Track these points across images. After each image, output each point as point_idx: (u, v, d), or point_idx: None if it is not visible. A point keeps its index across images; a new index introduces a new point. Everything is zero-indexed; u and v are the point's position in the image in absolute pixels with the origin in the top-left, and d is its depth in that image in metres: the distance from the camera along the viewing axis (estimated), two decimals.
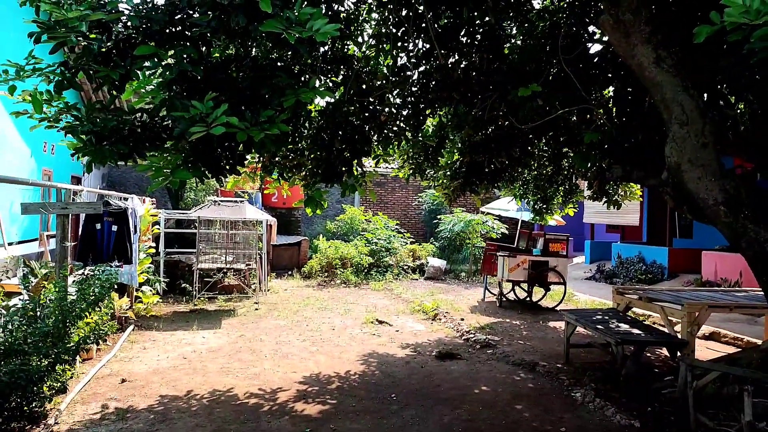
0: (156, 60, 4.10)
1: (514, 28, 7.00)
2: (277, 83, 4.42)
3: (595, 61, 6.51)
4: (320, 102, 6.58)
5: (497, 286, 10.81)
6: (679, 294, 6.80)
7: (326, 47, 6.41)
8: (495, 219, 15.60)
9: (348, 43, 6.79)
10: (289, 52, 5.31)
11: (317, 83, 6.41)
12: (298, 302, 10.45)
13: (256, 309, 9.67)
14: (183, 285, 10.59)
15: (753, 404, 3.67)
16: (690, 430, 4.13)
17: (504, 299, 10.75)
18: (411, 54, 6.75)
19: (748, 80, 5.10)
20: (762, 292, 4.97)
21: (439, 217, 16.75)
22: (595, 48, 6.56)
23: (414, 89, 6.95)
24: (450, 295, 11.90)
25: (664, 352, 6.80)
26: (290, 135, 5.32)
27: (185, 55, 4.22)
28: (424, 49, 6.70)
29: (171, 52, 4.27)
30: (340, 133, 6.33)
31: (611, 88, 6.87)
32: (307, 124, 6.31)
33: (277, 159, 6.50)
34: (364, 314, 9.36)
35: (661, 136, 4.87)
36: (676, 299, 6.20)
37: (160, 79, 4.54)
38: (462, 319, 8.97)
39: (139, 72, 4.39)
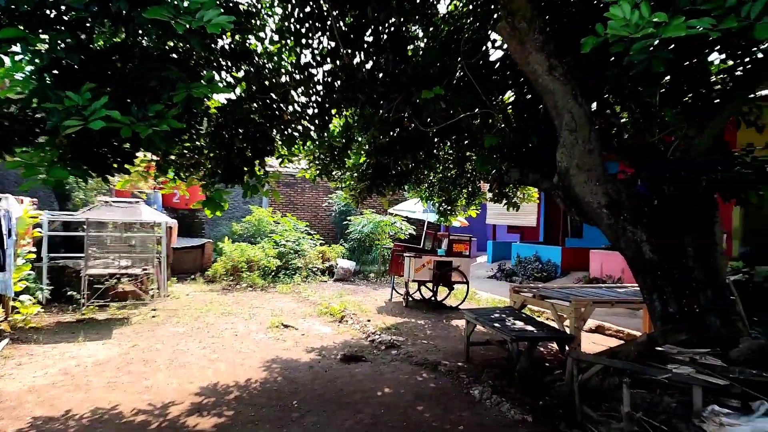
0: (25, 45, 3.70)
1: (420, 31, 7.09)
2: (167, 76, 4.13)
3: (496, 67, 6.73)
4: (220, 98, 6.28)
5: (404, 286, 10.94)
6: (568, 291, 7.22)
7: (225, 41, 6.15)
8: (403, 220, 15.82)
9: (249, 37, 6.55)
10: (185, 45, 5.00)
11: (216, 77, 6.15)
12: (200, 307, 9.96)
13: (153, 316, 9.08)
14: (69, 293, 9.72)
15: (631, 395, 3.93)
16: (576, 421, 4.36)
17: (410, 299, 10.91)
18: (315, 52, 6.64)
19: (630, 90, 5.50)
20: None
21: (349, 218, 16.72)
22: (497, 54, 6.79)
23: (319, 88, 6.84)
24: (358, 296, 11.89)
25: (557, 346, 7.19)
26: (184, 132, 5.01)
27: (60, 41, 3.84)
28: (329, 47, 6.61)
29: (46, 37, 3.87)
30: (241, 131, 6.09)
31: (510, 94, 7.13)
32: (204, 122, 6.01)
33: (172, 157, 6.12)
34: (269, 318, 9.09)
35: (554, 142, 5.11)
36: (565, 296, 6.58)
37: (32, 67, 4.10)
38: (369, 321, 8.97)
39: (5, 58, 3.93)
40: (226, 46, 6.18)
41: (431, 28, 6.97)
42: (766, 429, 3.70)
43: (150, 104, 3.84)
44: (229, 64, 6.08)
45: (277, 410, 5.00)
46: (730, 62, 5.33)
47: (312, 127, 7.03)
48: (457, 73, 6.54)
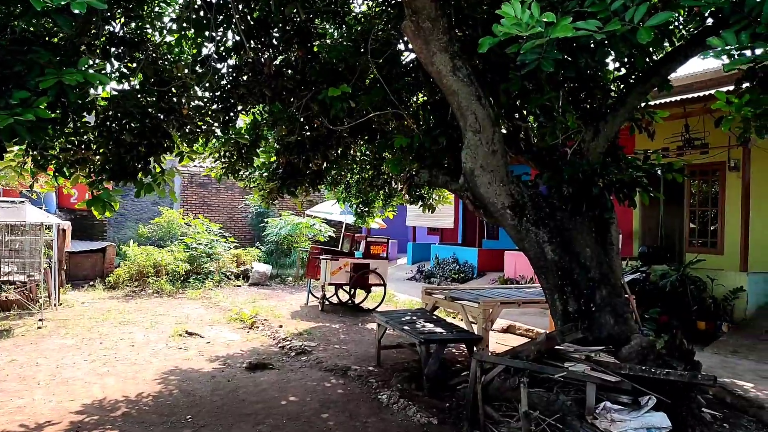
0: None
1: (331, 28, 6.91)
2: (34, 60, 3.68)
3: (407, 67, 6.68)
4: (113, 89, 5.78)
5: (321, 289, 10.70)
6: (478, 292, 7.30)
7: (116, 27, 5.68)
8: (323, 222, 15.56)
9: (146, 26, 6.09)
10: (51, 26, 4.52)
11: (108, 68, 5.66)
12: (96, 317, 9.21)
13: (39, 327, 8.28)
14: None
15: (529, 394, 3.94)
16: (478, 422, 4.33)
17: (326, 303, 10.68)
18: (219, 44, 6.29)
19: (532, 93, 5.60)
20: None
21: (266, 220, 16.23)
22: (411, 56, 6.72)
23: (223, 83, 6.49)
24: (273, 300, 11.51)
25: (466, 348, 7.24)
26: (58, 123, 4.52)
27: None
28: (234, 40, 6.29)
29: None
30: (133, 124, 5.63)
31: (421, 95, 7.10)
32: (92, 114, 5.50)
33: (53, 152, 5.55)
34: (173, 326, 8.55)
35: (461, 143, 5.10)
36: (474, 297, 6.63)
37: None
38: (281, 326, 8.66)
39: None
40: (119, 33, 5.71)
41: (343, 27, 6.82)
42: (653, 423, 3.82)
43: (14, 91, 3.41)
44: (121, 52, 5.62)
45: (167, 427, 4.62)
46: (624, 70, 5.58)
47: (216, 124, 6.66)
48: (371, 74, 6.43)
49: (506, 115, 6.23)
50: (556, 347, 4.51)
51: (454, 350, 7.25)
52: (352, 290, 10.91)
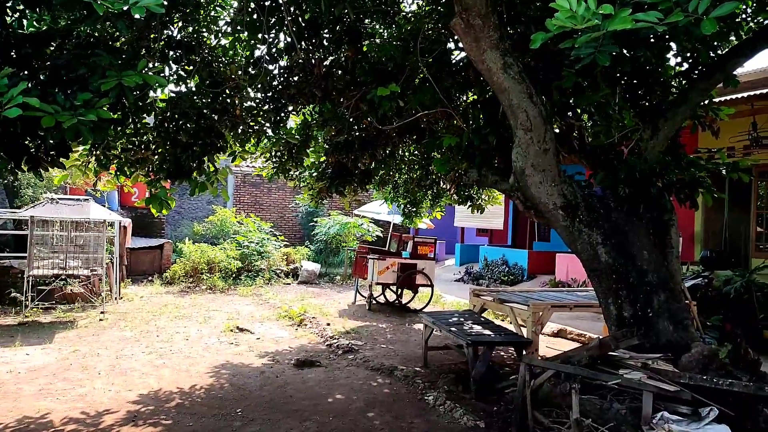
0: None
1: (380, 28, 6.92)
2: (97, 63, 3.85)
3: (456, 66, 6.62)
4: (170, 91, 5.99)
5: (368, 289, 10.75)
6: (528, 295, 7.13)
7: (174, 31, 5.88)
8: (370, 222, 15.63)
9: (202, 30, 6.29)
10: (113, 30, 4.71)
11: (167, 71, 5.88)
12: (153, 311, 9.59)
13: (101, 320, 8.69)
14: (13, 294, 9.25)
15: (580, 401, 3.81)
16: (527, 428, 4.23)
17: (374, 302, 10.72)
18: (271, 46, 6.41)
19: (586, 91, 5.43)
20: None
21: (315, 219, 16.46)
22: (461, 55, 6.65)
23: (275, 84, 6.62)
24: (321, 299, 11.65)
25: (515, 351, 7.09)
26: (119, 123, 4.72)
27: None
28: (285, 42, 6.39)
29: None
30: (188, 125, 5.82)
31: (470, 94, 7.01)
32: (151, 115, 5.72)
33: (115, 152, 5.81)
34: (225, 322, 8.78)
35: (512, 142, 5.00)
36: (524, 300, 6.48)
37: None
38: (328, 324, 8.75)
39: None
40: (177, 37, 5.92)
41: (393, 26, 6.82)
42: None
43: (78, 93, 3.58)
44: (178, 55, 5.82)
45: (218, 419, 4.74)
46: (686, 65, 5.31)
47: (267, 124, 6.80)
48: (417, 72, 6.40)
49: (558, 113, 6.06)
50: (610, 353, 4.35)
51: (502, 353, 7.11)
52: (399, 290, 10.90)
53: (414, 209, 10.49)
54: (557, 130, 6.01)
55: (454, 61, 6.60)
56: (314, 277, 14.40)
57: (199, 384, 5.70)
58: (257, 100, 6.64)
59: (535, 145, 4.71)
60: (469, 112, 6.43)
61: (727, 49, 4.83)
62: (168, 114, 5.73)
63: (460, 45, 6.45)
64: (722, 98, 7.35)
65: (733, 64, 4.33)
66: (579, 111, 6.23)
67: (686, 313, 4.68)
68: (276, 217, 18.07)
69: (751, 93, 7.63)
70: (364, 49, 6.37)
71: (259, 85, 6.46)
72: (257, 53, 6.41)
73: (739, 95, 7.55)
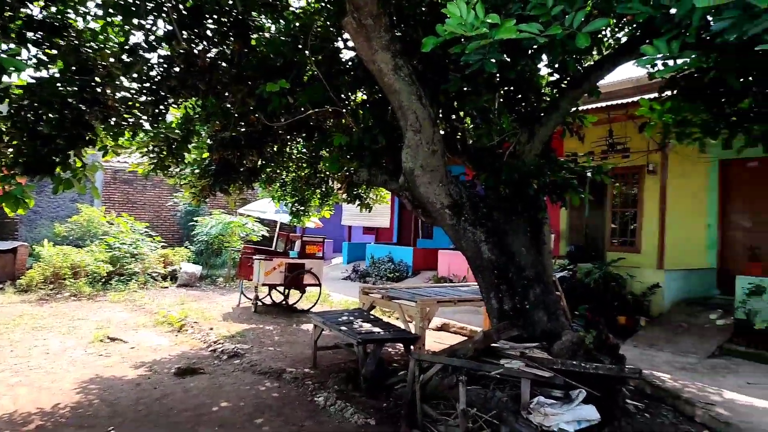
0: None
1: (268, 22, 6.72)
2: None
3: (348, 65, 6.62)
4: (28, 76, 5.33)
5: (254, 290, 10.41)
6: (415, 291, 7.35)
7: (35, 11, 5.24)
8: (256, 221, 15.17)
9: (67, 10, 5.67)
10: None
11: (25, 54, 5.21)
12: (6, 322, 8.49)
13: None
14: None
15: (466, 392, 3.99)
16: (417, 421, 4.34)
17: (260, 304, 10.42)
18: (149, 33, 5.95)
19: (470, 96, 5.70)
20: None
21: (196, 219, 15.63)
22: (352, 55, 6.65)
23: (153, 74, 6.16)
24: (203, 302, 11.08)
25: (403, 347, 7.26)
26: None
27: None
28: (165, 30, 5.97)
29: None
30: (50, 115, 5.22)
31: (361, 93, 7.05)
32: (5, 103, 5.04)
33: None
34: (93, 332, 8.01)
35: (401, 142, 5.10)
36: (412, 296, 6.66)
37: None
38: (211, 329, 8.33)
39: None
40: (38, 17, 5.28)
41: (281, 21, 6.65)
42: (583, 415, 3.97)
43: None
44: (39, 38, 5.19)
45: None
46: (557, 76, 5.78)
47: (144, 117, 6.31)
48: (307, 69, 6.31)
49: (444, 116, 6.31)
50: (493, 345, 4.60)
51: (391, 350, 7.25)
52: (287, 291, 10.70)
53: (302, 208, 10.35)
54: (443, 132, 6.25)
55: (345, 60, 6.60)
56: (195, 280, 13.67)
57: (63, 402, 5.14)
58: (133, 91, 6.13)
59: (424, 146, 4.84)
60: (359, 111, 6.46)
61: (591, 62, 5.33)
62: (26, 102, 5.09)
63: (351, 44, 6.47)
64: (586, 107, 8.11)
65: (597, 76, 4.79)
66: (463, 114, 6.53)
67: (558, 304, 5.09)
68: (152, 216, 16.90)
69: (609, 103, 8.50)
70: (252, 42, 6.15)
71: (135, 75, 5.97)
72: (133, 40, 5.93)
73: (599, 105, 8.39)
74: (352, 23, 4.74)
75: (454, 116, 6.40)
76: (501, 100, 6.01)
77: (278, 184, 10.04)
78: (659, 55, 2.59)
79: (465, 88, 5.87)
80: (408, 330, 6.30)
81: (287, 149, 8.56)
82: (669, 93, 4.79)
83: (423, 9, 5.68)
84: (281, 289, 10.71)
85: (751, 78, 3.97)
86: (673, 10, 2.65)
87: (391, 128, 5.79)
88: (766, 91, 4.16)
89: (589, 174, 5.14)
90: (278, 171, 9.50)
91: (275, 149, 7.94)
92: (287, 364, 6.53)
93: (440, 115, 6.12)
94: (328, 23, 6.42)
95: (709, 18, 2.29)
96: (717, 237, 9.47)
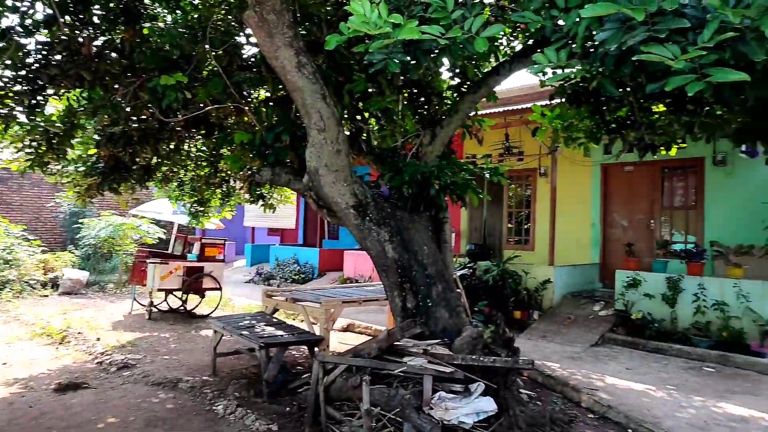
0: None
1: (163, 11, 6.35)
2: None
3: (250, 61, 6.42)
4: None
5: (148, 296, 9.78)
6: (320, 293, 7.28)
7: None
8: (151, 223, 14.30)
9: None
10: None
11: None
12: None
13: None
14: None
15: (370, 391, 4.00)
16: (320, 424, 4.28)
17: (154, 310, 9.81)
18: (25, 16, 5.39)
19: (374, 96, 5.74)
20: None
21: (82, 221, 14.43)
22: (255, 50, 6.44)
23: (29, 61, 5.59)
24: (89, 310, 10.25)
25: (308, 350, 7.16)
26: None
27: None
28: (45, 13, 5.44)
29: None
30: None
31: (264, 90, 6.86)
32: None
33: None
34: None
35: (305, 141, 5.01)
36: (316, 298, 6.59)
37: None
38: (98, 339, 7.71)
39: None
40: None
41: (178, 11, 6.31)
42: (481, 407, 4.12)
43: None
44: None
45: None
46: (457, 80, 5.98)
47: (19, 108, 5.72)
48: (207, 63, 6.04)
49: (349, 116, 6.30)
50: (396, 343, 4.65)
51: (295, 353, 7.12)
52: (185, 296, 10.18)
53: (201, 209, 9.95)
54: (348, 133, 6.25)
55: (247, 56, 6.40)
56: (80, 287, 12.61)
57: None
58: (6, 79, 5.54)
59: (329, 145, 4.80)
60: (262, 109, 6.28)
61: (489, 69, 5.56)
62: None
63: (254, 40, 6.28)
64: (485, 111, 8.48)
65: (494, 82, 5.01)
66: (368, 115, 6.57)
67: (459, 300, 5.25)
68: (30, 218, 15.38)
69: (506, 108, 8.96)
70: (145, 32, 5.78)
71: (8, 61, 5.38)
72: (6, 23, 5.35)
73: (497, 110, 8.81)
74: (254, 18, 4.59)
75: (359, 117, 6.41)
76: (405, 102, 6.13)
77: (175, 184, 9.56)
78: (549, 64, 2.75)
79: (370, 89, 5.93)
80: (312, 332, 6.22)
81: (185, 147, 8.16)
82: (558, 100, 5.11)
83: (328, 8, 5.64)
84: (179, 294, 10.16)
85: (628, 88, 4.34)
86: (561, 21, 2.83)
87: (296, 127, 5.69)
88: (640, 101, 4.57)
89: (487, 175, 5.36)
90: (175, 169, 9.04)
91: (172, 146, 7.53)
92: (184, 372, 6.20)
93: (345, 115, 6.11)
94: (230, 17, 6.19)
95: (593, 29, 2.45)
96: (600, 235, 10.31)
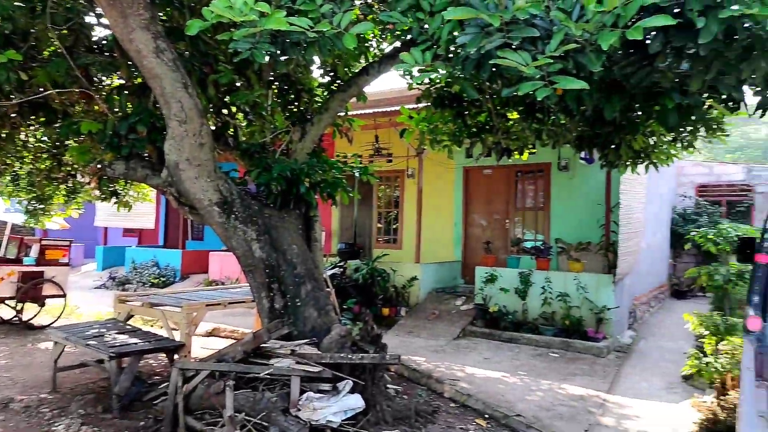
0: None
1: None
2: None
3: (100, 43, 5.83)
4: None
5: None
6: (181, 296, 6.84)
7: None
8: None
9: None
10: None
11: None
12: None
13: None
14: None
15: (234, 397, 3.82)
16: None
17: None
18: None
19: (242, 89, 5.51)
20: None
21: None
22: (107, 33, 5.85)
23: None
24: None
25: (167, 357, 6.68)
26: None
27: None
28: None
29: None
30: None
31: (116, 77, 6.28)
32: None
33: None
34: None
35: (165, 132, 4.65)
36: (177, 301, 6.17)
37: None
38: None
39: None
40: None
41: None
42: (349, 405, 4.14)
43: None
44: None
45: None
46: (328, 78, 5.97)
47: None
48: (48, 42, 5.38)
49: (215, 109, 5.99)
50: (263, 345, 4.50)
51: (153, 362, 6.59)
52: (20, 305, 8.97)
53: (41, 206, 8.91)
54: (213, 127, 5.93)
55: (98, 37, 5.80)
56: None
57: None
58: None
59: (191, 138, 4.51)
60: (115, 96, 5.73)
61: (359, 68, 5.62)
62: None
63: (105, 21, 5.71)
64: (356, 112, 8.56)
65: (364, 81, 5.06)
66: (235, 110, 6.30)
67: (328, 299, 5.23)
68: None
69: (375, 110, 9.13)
70: None
71: None
72: None
73: (367, 111, 8.94)
74: None
75: (226, 110, 6.13)
76: (275, 97, 5.97)
77: (8, 178, 8.44)
78: (415, 64, 2.82)
79: (238, 83, 5.68)
80: (172, 338, 5.81)
81: (21, 135, 7.21)
82: (424, 103, 5.31)
83: None
84: (13, 303, 8.92)
85: (488, 95, 4.63)
86: (426, 25, 2.92)
87: (155, 117, 5.26)
88: (497, 107, 4.90)
89: (357, 174, 5.40)
90: (8, 162, 7.96)
91: (4, 135, 6.61)
92: (18, 391, 5.44)
93: (211, 108, 5.80)
94: None
95: (456, 33, 2.56)
96: (462, 234, 10.93)
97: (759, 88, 3.25)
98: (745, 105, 3.67)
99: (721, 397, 4.69)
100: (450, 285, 10.30)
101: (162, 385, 4.93)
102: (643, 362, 7.05)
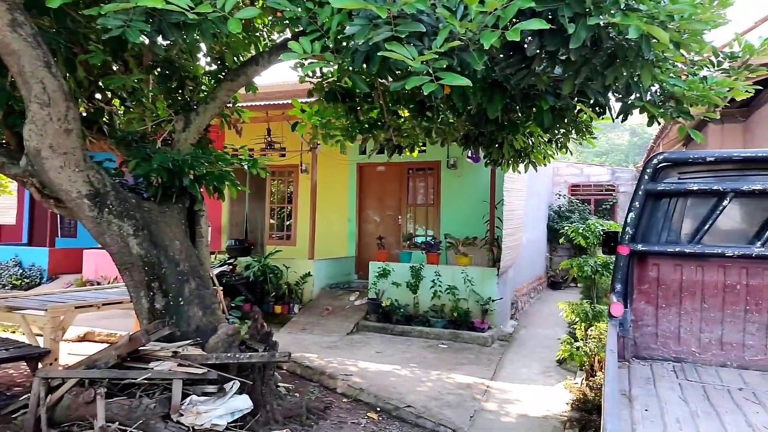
0: None
1: None
2: None
3: None
4: None
5: None
6: (46, 298, 6.19)
7: None
8: None
9: None
10: None
11: None
12: None
13: None
14: None
15: (108, 405, 3.51)
16: None
17: None
18: None
19: (117, 72, 5.09)
20: None
21: None
22: None
23: None
24: None
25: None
26: None
27: None
28: None
29: None
30: None
31: None
32: None
33: None
34: None
35: (24, 116, 4.15)
36: (41, 304, 5.58)
37: None
38: None
39: None
40: None
41: None
42: (236, 406, 3.98)
43: None
44: None
45: None
46: (215, 66, 5.69)
47: None
48: None
49: (86, 93, 5.48)
50: (142, 348, 4.19)
51: (13, 372, 5.91)
52: None
53: None
54: (84, 112, 5.42)
55: None
56: None
57: None
58: None
59: (55, 123, 4.07)
60: None
61: (248, 57, 5.40)
62: None
63: None
64: (246, 103, 8.25)
65: (254, 71, 4.86)
66: (111, 95, 5.80)
67: (214, 298, 4.99)
68: None
69: (267, 102, 8.88)
70: None
71: None
72: None
73: (259, 103, 8.67)
74: None
75: (99, 95, 5.63)
76: (156, 84, 5.57)
77: None
78: (304, 55, 2.75)
79: (114, 66, 5.23)
80: (36, 345, 5.24)
81: None
82: (316, 97, 5.22)
83: None
84: None
85: (379, 90, 4.66)
86: (317, 15, 2.85)
87: (12, 99, 4.69)
88: (389, 104, 4.95)
89: (245, 167, 5.20)
90: None
91: None
92: None
93: (80, 92, 5.28)
94: None
95: (345, 25, 2.53)
96: (356, 229, 10.99)
97: (621, 95, 3.58)
98: (610, 110, 4.04)
99: (590, 379, 5.13)
100: (344, 281, 10.31)
101: (23, 398, 4.42)
102: (523, 349, 7.53)
